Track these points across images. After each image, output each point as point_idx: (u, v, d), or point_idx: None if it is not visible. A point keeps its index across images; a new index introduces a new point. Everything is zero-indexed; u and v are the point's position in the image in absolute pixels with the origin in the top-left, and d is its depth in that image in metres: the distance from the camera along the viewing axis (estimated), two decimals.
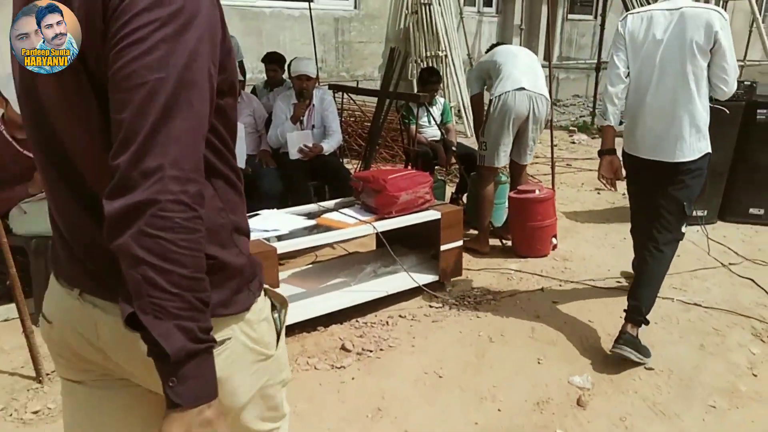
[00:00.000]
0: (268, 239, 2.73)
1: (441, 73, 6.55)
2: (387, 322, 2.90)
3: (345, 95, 5.75)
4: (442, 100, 4.86)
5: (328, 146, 4.04)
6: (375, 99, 4.78)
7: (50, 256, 1.07)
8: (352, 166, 5.79)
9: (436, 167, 4.76)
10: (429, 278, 3.16)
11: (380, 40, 8.70)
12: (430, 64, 8.27)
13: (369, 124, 6.82)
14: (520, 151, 3.80)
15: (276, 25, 7.63)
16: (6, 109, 2.85)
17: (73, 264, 0.98)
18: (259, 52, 5.27)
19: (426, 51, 8.44)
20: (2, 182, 2.88)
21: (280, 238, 2.78)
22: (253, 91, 5.37)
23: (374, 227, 2.88)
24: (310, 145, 3.93)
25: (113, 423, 1.03)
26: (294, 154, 3.91)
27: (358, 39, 8.52)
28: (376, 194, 2.99)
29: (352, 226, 2.91)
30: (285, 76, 5.29)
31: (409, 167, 4.14)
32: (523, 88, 3.55)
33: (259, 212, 3.12)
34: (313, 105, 4.12)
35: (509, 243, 3.95)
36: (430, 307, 3.08)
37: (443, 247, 3.14)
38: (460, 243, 3.22)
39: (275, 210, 3.18)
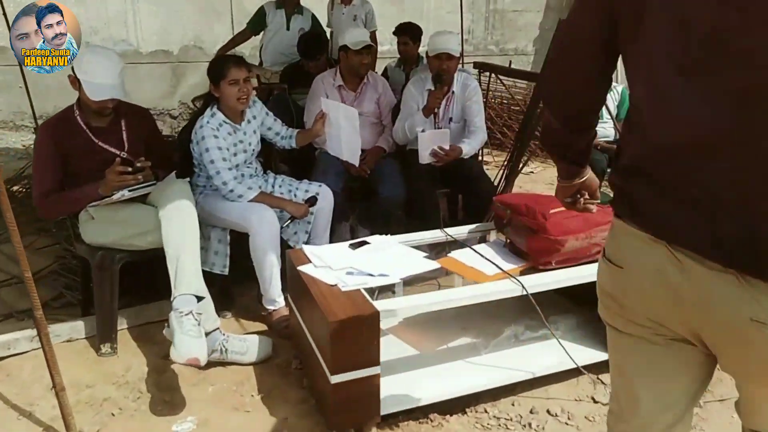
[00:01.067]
0: (372, 291, 1.95)
1: None
2: (530, 424, 2.01)
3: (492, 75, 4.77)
4: (619, 87, 3.70)
5: (470, 148, 3.16)
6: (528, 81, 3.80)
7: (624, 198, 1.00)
8: (492, 159, 4.85)
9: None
10: (595, 355, 2.20)
11: (539, 9, 7.48)
12: None
13: (518, 110, 5.82)
14: None
15: None
16: (80, 91, 2.35)
17: (678, 218, 0.91)
18: (400, 20, 4.45)
19: None
20: (75, 175, 2.41)
21: (385, 288, 1.99)
22: (384, 72, 4.58)
23: (522, 286, 1.98)
24: (447, 147, 3.07)
25: (668, 374, 1.04)
26: (425, 158, 3.07)
27: (513, 7, 7.38)
28: (531, 234, 2.08)
29: (489, 279, 2.03)
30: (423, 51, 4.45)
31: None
32: None
33: (367, 239, 2.36)
34: (453, 92, 3.23)
35: None
36: (595, 401, 2.13)
37: None
38: None
39: (388, 237, 2.40)
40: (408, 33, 4.28)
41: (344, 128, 2.98)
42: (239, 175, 2.69)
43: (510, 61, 7.09)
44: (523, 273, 2.08)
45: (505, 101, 6.01)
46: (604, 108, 3.65)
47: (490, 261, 2.14)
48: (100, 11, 5.92)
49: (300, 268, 2.09)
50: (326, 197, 2.85)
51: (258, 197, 2.57)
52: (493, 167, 4.70)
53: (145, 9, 6.06)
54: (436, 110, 3.11)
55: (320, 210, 2.83)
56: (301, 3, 4.38)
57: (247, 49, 4.71)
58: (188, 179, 2.50)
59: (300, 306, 2.18)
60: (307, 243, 2.85)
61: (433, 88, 3.18)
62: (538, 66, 7.53)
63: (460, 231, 2.51)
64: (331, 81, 3.37)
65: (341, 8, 4.50)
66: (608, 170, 3.47)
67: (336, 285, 1.95)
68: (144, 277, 2.64)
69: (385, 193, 3.18)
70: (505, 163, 3.78)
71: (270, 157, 3.09)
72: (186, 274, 2.09)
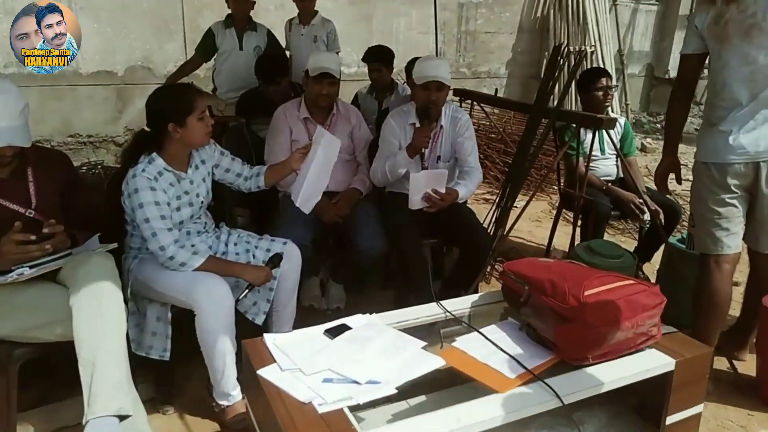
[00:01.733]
0: (356, 408, 1.45)
1: None
2: None
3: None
4: (622, 119, 3.34)
5: (466, 191, 2.70)
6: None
7: None
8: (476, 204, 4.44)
9: (612, 222, 3.25)
10: None
11: (511, 31, 7.20)
12: (573, 61, 6.64)
13: (496, 138, 5.44)
14: (757, 231, 2.25)
15: (389, 9, 6.35)
16: None
17: None
18: (368, 42, 4.02)
19: (570, 45, 6.81)
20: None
21: (376, 403, 1.50)
22: (355, 100, 4.12)
23: (556, 395, 1.50)
24: (443, 190, 2.58)
25: None
26: (416, 203, 2.58)
27: (485, 28, 7.07)
28: (560, 322, 1.62)
29: (511, 386, 1.55)
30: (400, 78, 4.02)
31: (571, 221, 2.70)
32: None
33: (347, 322, 1.86)
34: (441, 127, 2.78)
35: (745, 372, 2.42)
36: None
37: (673, 419, 1.71)
38: (700, 408, 1.77)
39: (373, 318, 1.91)
40: (380, 59, 3.84)
41: (317, 164, 2.45)
42: (184, 234, 2.16)
43: (485, 89, 6.77)
44: (551, 370, 1.61)
45: (481, 129, 5.63)
46: (606, 143, 3.27)
47: (507, 353, 1.67)
48: None
49: (260, 372, 1.57)
50: (292, 256, 2.34)
51: (206, 264, 2.04)
52: (473, 202, 4.30)
53: (86, 25, 5.43)
54: (423, 149, 2.64)
55: (285, 272, 2.31)
56: (253, 19, 3.88)
57: (202, 71, 4.17)
58: (115, 244, 1.94)
59: (259, 419, 1.65)
60: (268, 315, 2.33)
61: (418, 123, 2.72)
62: (512, 90, 7.23)
63: (459, 305, 2.03)
64: (295, 113, 2.88)
65: (299, 29, 4.02)
66: (613, 213, 3.07)
67: (310, 402, 1.44)
68: (58, 365, 2.06)
69: (363, 245, 2.68)
70: (497, 201, 3.37)
71: (223, 205, 2.56)
72: (104, 386, 1.54)
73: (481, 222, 2.92)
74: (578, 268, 1.83)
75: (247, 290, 2.14)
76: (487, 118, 5.19)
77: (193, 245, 2.18)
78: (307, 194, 2.38)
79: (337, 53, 4.14)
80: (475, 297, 2.07)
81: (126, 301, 2.04)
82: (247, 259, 2.29)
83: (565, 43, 6.60)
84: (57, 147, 5.65)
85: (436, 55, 5.17)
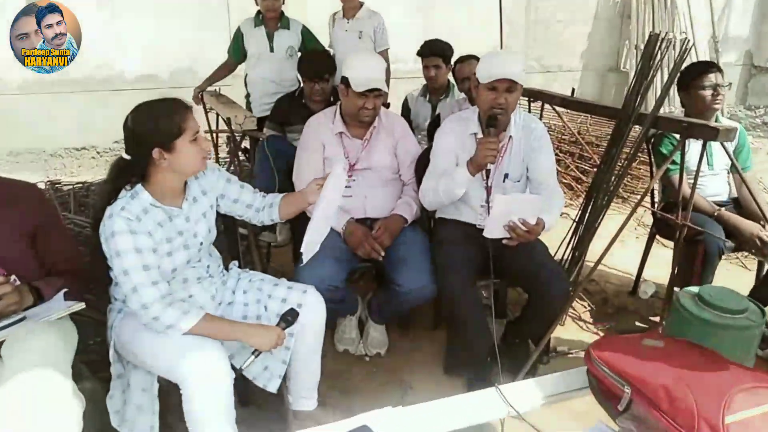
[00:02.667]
0: None
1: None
2: None
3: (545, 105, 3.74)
4: (735, 125, 2.65)
5: (552, 219, 2.12)
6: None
7: None
8: None
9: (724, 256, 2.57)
10: None
11: (586, 19, 6.45)
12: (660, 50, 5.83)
13: (572, 142, 4.78)
14: None
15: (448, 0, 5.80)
16: None
17: None
18: (423, 36, 3.50)
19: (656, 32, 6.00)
20: None
21: None
22: (405, 106, 3.61)
23: None
24: (533, 221, 1.97)
25: None
26: (495, 231, 2.00)
27: (556, 17, 6.37)
28: None
29: None
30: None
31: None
32: None
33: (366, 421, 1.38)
34: (510, 138, 2.24)
35: None
36: None
37: None
38: None
39: (404, 412, 1.41)
40: (439, 53, 3.31)
41: (323, 203, 1.92)
42: (179, 282, 1.74)
43: (561, 90, 6.10)
44: None
45: (552, 130, 4.99)
46: (715, 155, 2.61)
47: None
48: None
49: None
50: (314, 307, 1.88)
51: (200, 326, 1.60)
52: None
53: (128, 27, 5.23)
54: (489, 165, 2.09)
55: (306, 326, 1.86)
56: (285, 15, 3.44)
57: (229, 79, 3.80)
58: (82, 304, 1.54)
59: None
60: (284, 378, 1.88)
61: (480, 134, 2.19)
62: (587, 85, 6.49)
63: (528, 391, 1.50)
64: (328, 126, 2.41)
65: (343, 23, 3.54)
66: (727, 244, 2.41)
67: None
68: None
69: (406, 285, 2.19)
70: (575, 223, 2.79)
71: (234, 238, 2.12)
72: None
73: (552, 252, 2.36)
74: (707, 359, 1.26)
75: (252, 357, 1.69)
76: (560, 119, 4.55)
77: (191, 296, 1.76)
78: (308, 239, 1.89)
79: (385, 50, 3.66)
80: (549, 381, 1.53)
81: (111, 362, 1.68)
82: (258, 313, 1.85)
83: (664, 31, 5.82)
84: (103, 153, 5.50)
85: (501, 47, 4.57)
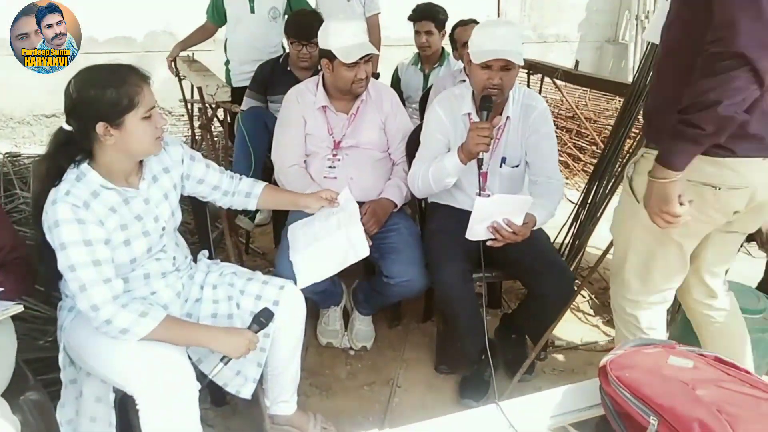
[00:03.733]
0: None
1: None
2: None
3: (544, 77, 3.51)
4: None
5: (546, 216, 1.91)
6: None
7: None
8: None
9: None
10: None
11: None
12: None
13: (570, 117, 4.56)
14: None
15: None
16: None
17: None
18: (415, 1, 3.23)
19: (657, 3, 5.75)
20: None
21: None
22: (395, 75, 3.36)
23: None
24: (520, 222, 1.79)
25: None
26: (478, 233, 1.80)
27: None
28: None
29: None
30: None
31: None
32: None
33: None
34: (508, 118, 2.02)
35: None
36: None
37: None
38: None
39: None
40: (431, 18, 3.06)
41: (331, 236, 1.81)
42: (139, 277, 1.52)
43: (553, 52, 5.87)
44: None
45: (550, 104, 4.78)
46: None
47: None
48: None
49: None
50: (292, 307, 1.68)
51: (159, 330, 1.40)
52: None
53: None
54: (481, 153, 1.87)
55: (284, 326, 1.67)
56: None
57: (205, 43, 3.50)
58: (20, 307, 1.32)
59: None
60: (260, 380, 1.70)
61: (475, 116, 1.97)
62: (584, 56, 6.25)
63: (531, 408, 1.32)
64: (310, 98, 2.18)
65: None
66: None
67: None
68: None
69: (395, 277, 2.01)
70: (576, 207, 2.61)
71: (205, 223, 1.90)
72: None
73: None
74: (742, 382, 1.09)
75: (221, 364, 1.50)
76: (558, 92, 4.34)
77: (153, 293, 1.56)
78: (307, 264, 1.71)
79: (376, 16, 3.39)
80: (556, 396, 1.36)
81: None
82: (229, 311, 1.65)
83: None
84: None
85: (498, 15, 4.30)
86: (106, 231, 1.40)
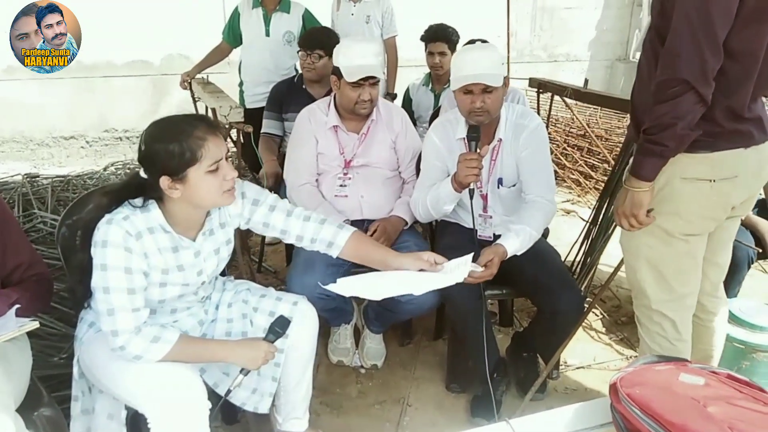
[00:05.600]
0: None
1: None
2: None
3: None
4: None
5: (519, 244, 1.83)
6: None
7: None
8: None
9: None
10: None
11: (596, 6, 6.22)
12: None
13: (581, 135, 4.56)
14: None
15: None
16: None
17: None
18: (426, 22, 3.30)
19: None
20: None
21: None
22: (406, 96, 3.40)
23: None
24: (480, 270, 1.72)
25: None
26: (454, 279, 1.57)
27: (565, 3, 6.13)
28: None
29: None
30: None
31: None
32: None
33: None
34: (500, 140, 2.02)
35: None
36: None
37: None
38: None
39: None
40: (444, 38, 3.11)
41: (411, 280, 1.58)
42: (166, 313, 1.55)
43: (563, 71, 5.89)
44: None
45: (560, 122, 4.79)
46: None
47: None
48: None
49: None
50: (305, 322, 1.69)
51: (174, 351, 1.41)
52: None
53: (118, 12, 5.00)
54: (473, 184, 1.85)
55: (296, 341, 1.67)
56: None
57: (220, 65, 3.57)
58: (36, 323, 1.34)
59: None
60: (275, 398, 1.71)
61: (469, 141, 1.93)
62: (595, 75, 6.27)
63: (542, 429, 1.31)
64: (322, 118, 2.21)
65: (349, 6, 3.35)
66: (756, 260, 2.23)
67: None
68: None
69: (404, 295, 2.01)
70: (588, 224, 2.60)
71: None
72: None
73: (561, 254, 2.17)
74: (756, 400, 1.08)
75: (241, 375, 1.51)
76: (568, 110, 4.34)
77: (175, 321, 1.57)
78: (352, 283, 1.58)
79: (393, 38, 3.46)
80: (567, 414, 1.34)
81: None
82: (243, 329, 1.66)
83: None
84: (92, 143, 5.30)
85: (508, 35, 4.34)
86: (147, 266, 1.42)
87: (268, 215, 1.61)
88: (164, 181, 1.36)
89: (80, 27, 2.16)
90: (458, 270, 1.57)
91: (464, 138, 1.99)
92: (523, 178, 2.01)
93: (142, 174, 1.40)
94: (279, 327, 1.55)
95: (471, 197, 1.86)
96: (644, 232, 1.54)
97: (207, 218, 1.52)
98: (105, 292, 1.37)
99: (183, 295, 1.54)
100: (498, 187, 2.04)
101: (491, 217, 2.05)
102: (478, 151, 1.84)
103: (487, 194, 2.03)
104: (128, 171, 4.21)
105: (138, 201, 1.41)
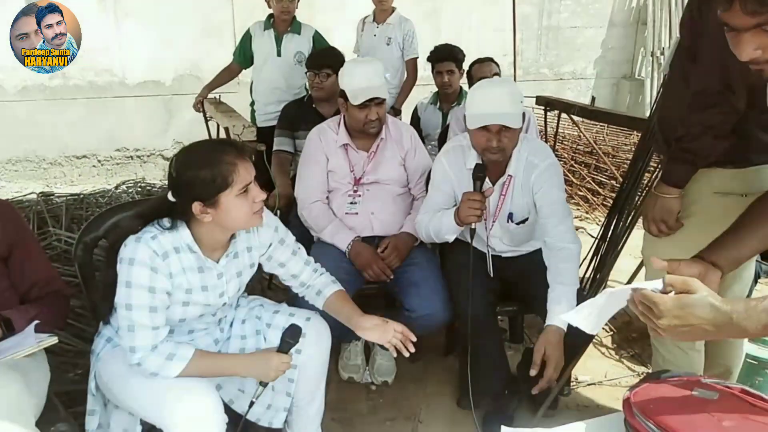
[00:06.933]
0: None
1: None
2: None
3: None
4: None
5: (568, 302, 1.80)
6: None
7: None
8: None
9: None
10: None
11: (601, 25, 6.28)
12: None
13: (588, 152, 4.59)
14: None
15: (460, 4, 5.65)
16: None
17: None
18: (434, 41, 3.38)
19: (672, 40, 5.82)
20: None
21: None
22: (414, 115, 3.45)
23: None
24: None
25: None
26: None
27: (571, 23, 6.20)
28: None
29: None
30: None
31: None
32: None
33: None
34: (510, 177, 1.97)
35: None
36: None
37: None
38: None
39: None
40: (452, 58, 3.16)
41: None
42: (183, 332, 1.57)
43: (570, 89, 5.94)
44: None
45: (567, 140, 4.82)
46: None
47: None
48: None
49: None
50: (318, 338, 1.70)
51: (189, 368, 1.42)
52: None
53: (131, 32, 5.11)
54: (473, 225, 1.85)
55: (309, 358, 1.68)
56: (297, 19, 3.29)
57: (230, 85, 3.63)
58: (55, 339, 1.37)
59: None
60: (288, 414, 1.72)
61: (477, 175, 1.86)
62: (601, 93, 6.31)
63: None
64: (332, 137, 2.25)
65: (373, 28, 3.45)
66: (763, 271, 2.23)
67: None
68: None
69: (417, 310, 2.02)
70: (597, 241, 2.61)
71: None
72: None
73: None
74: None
75: (261, 388, 1.51)
76: (575, 128, 4.38)
77: (192, 339, 1.58)
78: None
79: (414, 59, 3.54)
80: (581, 429, 1.34)
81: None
82: (256, 346, 1.68)
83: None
84: (104, 162, 5.37)
85: (514, 54, 4.40)
86: (171, 285, 1.44)
87: (289, 257, 1.69)
88: (196, 207, 1.39)
89: (80, 27, 2.17)
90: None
91: (473, 170, 1.92)
92: (542, 221, 1.97)
93: (171, 197, 1.43)
94: (290, 338, 1.55)
95: (471, 237, 1.86)
96: (670, 244, 1.57)
97: (231, 241, 1.54)
98: (127, 308, 1.39)
99: (203, 315, 1.56)
100: (507, 222, 2.02)
101: (494, 249, 2.07)
102: (483, 192, 1.83)
103: (489, 229, 2.02)
104: (139, 189, 4.26)
105: (166, 222, 1.44)
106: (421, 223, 2.04)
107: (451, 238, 1.96)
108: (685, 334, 0.98)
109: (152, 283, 1.39)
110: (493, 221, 2.01)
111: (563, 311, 1.74)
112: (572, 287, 1.87)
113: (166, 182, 1.48)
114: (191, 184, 1.38)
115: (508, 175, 1.96)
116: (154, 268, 1.39)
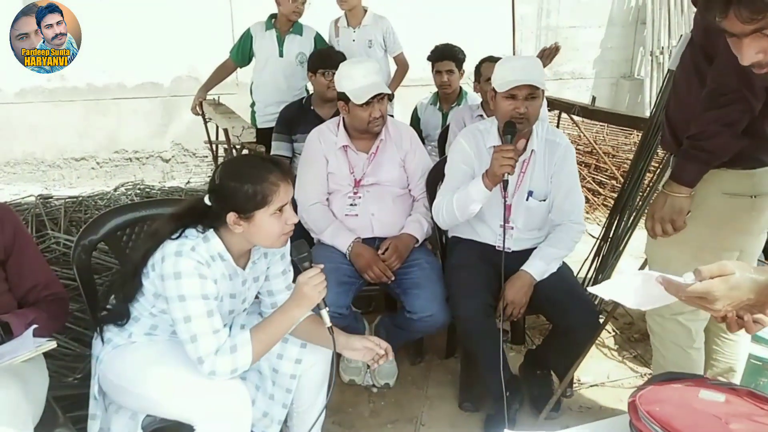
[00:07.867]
0: None
1: None
2: None
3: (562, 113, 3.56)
4: None
5: (547, 264, 1.94)
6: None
7: None
8: None
9: None
10: None
11: (600, 24, 6.27)
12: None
13: (588, 152, 4.58)
14: None
15: (457, 2, 5.65)
16: None
17: None
18: (431, 41, 3.34)
19: (671, 40, 5.82)
20: None
21: None
22: (414, 115, 3.43)
23: None
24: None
25: None
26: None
27: (569, 23, 6.18)
28: None
29: None
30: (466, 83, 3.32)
31: None
32: None
33: None
34: (533, 152, 2.04)
35: None
36: None
37: None
38: None
39: None
40: (452, 57, 3.14)
41: None
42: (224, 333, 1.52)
43: (569, 89, 5.92)
44: None
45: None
46: None
47: None
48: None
49: None
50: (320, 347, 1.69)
51: (257, 348, 1.45)
52: None
53: (129, 35, 5.09)
54: (506, 176, 1.85)
55: (309, 369, 1.67)
56: (299, 21, 3.27)
57: (229, 87, 3.61)
58: (53, 344, 1.35)
59: None
60: (286, 418, 1.70)
61: (502, 141, 1.91)
62: (600, 92, 6.30)
63: None
64: (332, 139, 2.24)
65: (349, 33, 3.37)
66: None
67: None
68: None
69: (417, 312, 2.02)
70: (598, 241, 2.61)
71: None
72: None
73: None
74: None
75: (324, 311, 1.47)
76: (575, 128, 4.37)
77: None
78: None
79: (402, 54, 3.49)
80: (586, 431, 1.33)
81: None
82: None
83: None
84: (102, 164, 5.35)
85: (513, 53, 4.39)
86: (216, 290, 1.45)
87: (280, 276, 1.66)
88: (231, 217, 1.40)
89: (80, 27, 2.18)
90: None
91: (494, 146, 1.93)
92: (555, 202, 2.02)
93: (207, 201, 1.44)
94: (298, 255, 1.47)
95: (505, 188, 1.85)
96: (674, 244, 1.55)
97: (254, 248, 1.55)
98: (186, 321, 1.39)
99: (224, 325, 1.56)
100: (527, 199, 2.03)
101: (513, 228, 2.04)
102: (515, 144, 1.86)
103: (511, 205, 2.01)
104: (138, 192, 4.24)
105: (196, 231, 1.44)
106: (440, 205, 2.02)
107: (477, 208, 1.94)
108: (747, 309, 0.98)
109: (203, 290, 1.40)
110: (517, 194, 2.03)
111: (539, 265, 1.92)
112: (558, 251, 1.98)
113: (207, 186, 1.51)
114: (232, 194, 1.39)
115: (531, 150, 2.00)
116: (202, 275, 1.40)
